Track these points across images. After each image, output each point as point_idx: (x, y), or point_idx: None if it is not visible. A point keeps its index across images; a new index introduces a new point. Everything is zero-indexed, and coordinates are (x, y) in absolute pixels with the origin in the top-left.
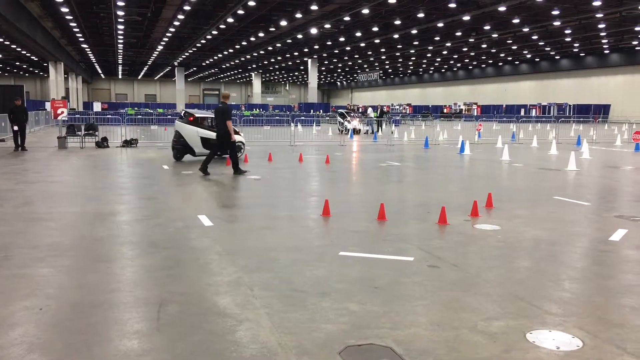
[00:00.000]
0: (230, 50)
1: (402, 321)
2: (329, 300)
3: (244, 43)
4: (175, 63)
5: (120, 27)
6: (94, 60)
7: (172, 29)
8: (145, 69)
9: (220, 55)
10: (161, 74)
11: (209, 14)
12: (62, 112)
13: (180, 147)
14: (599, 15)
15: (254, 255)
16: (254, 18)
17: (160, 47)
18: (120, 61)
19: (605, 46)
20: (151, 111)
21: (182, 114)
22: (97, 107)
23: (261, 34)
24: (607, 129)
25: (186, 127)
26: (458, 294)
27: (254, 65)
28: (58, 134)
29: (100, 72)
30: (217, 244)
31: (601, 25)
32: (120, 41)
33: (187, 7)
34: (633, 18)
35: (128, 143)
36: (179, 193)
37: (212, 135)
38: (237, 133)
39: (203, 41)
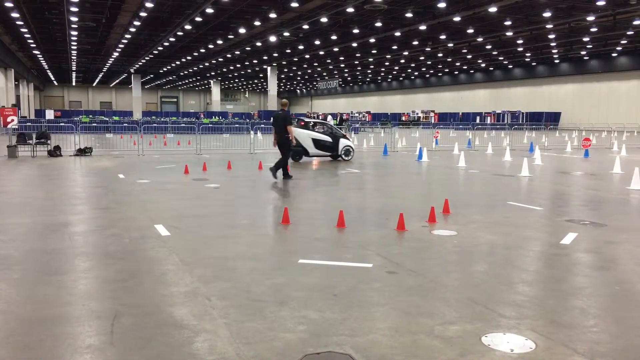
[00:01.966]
0: (189, 58)
1: (360, 328)
2: (287, 309)
3: (203, 50)
4: (132, 70)
5: (74, 33)
6: (46, 66)
7: (128, 36)
8: (100, 75)
9: (178, 63)
10: (117, 81)
11: (165, 21)
12: (12, 120)
13: (297, 149)
14: (549, 26)
15: (212, 264)
16: (212, 25)
17: (115, 54)
18: (74, 68)
19: (555, 56)
20: (106, 119)
21: (296, 120)
22: (49, 114)
23: (220, 42)
24: (558, 135)
25: (299, 131)
26: (416, 299)
27: (212, 73)
28: (8, 142)
29: (53, 79)
30: (173, 254)
31: (551, 36)
32: (74, 47)
33: (143, 14)
34: (581, 29)
35: (82, 152)
36: (135, 202)
37: (322, 137)
38: (345, 137)
39: (160, 48)
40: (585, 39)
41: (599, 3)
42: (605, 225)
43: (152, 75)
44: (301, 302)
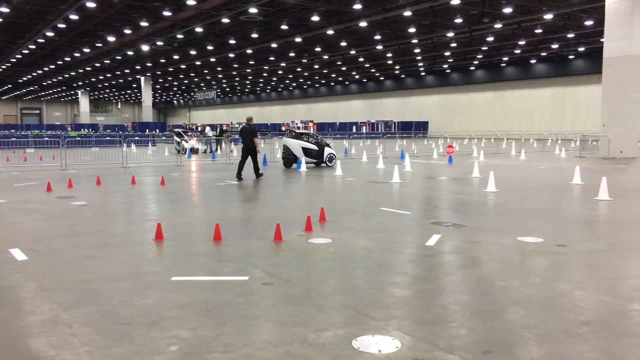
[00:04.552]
0: (52, 67)
1: (234, 343)
2: (158, 330)
3: (68, 59)
4: None
5: None
6: None
7: None
8: None
9: (40, 72)
10: None
11: (25, 27)
12: None
13: (289, 157)
14: (414, 41)
15: (75, 289)
16: (78, 32)
17: None
18: None
19: (421, 69)
20: None
21: (287, 132)
22: None
23: (87, 50)
24: (426, 143)
25: (290, 140)
26: (291, 309)
27: (80, 83)
28: None
29: None
30: (31, 280)
31: (417, 50)
32: None
33: None
34: (443, 44)
35: None
36: None
37: (310, 146)
38: (328, 146)
39: (19, 56)
40: (447, 54)
41: (457, 20)
42: (465, 226)
43: (10, 85)
44: (173, 322)
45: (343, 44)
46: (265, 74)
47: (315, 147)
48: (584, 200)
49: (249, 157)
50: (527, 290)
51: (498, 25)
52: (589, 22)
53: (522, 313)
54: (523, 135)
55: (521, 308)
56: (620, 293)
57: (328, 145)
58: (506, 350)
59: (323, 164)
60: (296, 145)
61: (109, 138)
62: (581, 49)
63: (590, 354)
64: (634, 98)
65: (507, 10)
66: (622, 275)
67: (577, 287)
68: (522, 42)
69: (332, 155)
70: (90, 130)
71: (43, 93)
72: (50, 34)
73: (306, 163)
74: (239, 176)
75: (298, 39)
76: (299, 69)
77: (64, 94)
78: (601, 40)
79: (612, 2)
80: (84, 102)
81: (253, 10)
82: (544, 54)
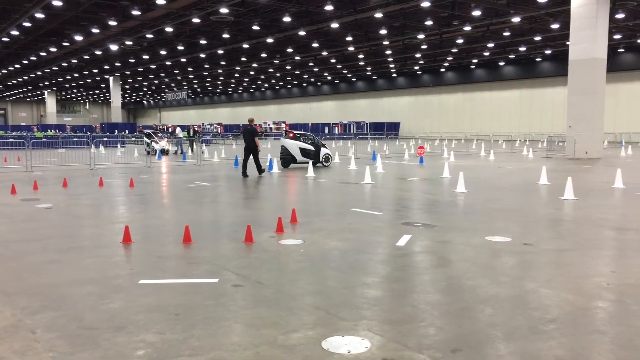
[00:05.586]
0: (17, 66)
1: (202, 346)
2: (124, 334)
3: (33, 58)
4: None
5: None
6: None
7: None
8: None
9: (4, 71)
10: None
11: None
12: None
13: (287, 157)
14: (386, 43)
15: (39, 293)
16: (44, 31)
17: None
18: None
19: (392, 70)
20: None
21: (284, 133)
22: None
23: (53, 49)
24: (397, 144)
25: (288, 141)
26: (260, 311)
27: (47, 82)
28: None
29: None
30: None
31: (388, 52)
32: None
33: None
34: (413, 46)
35: None
36: None
37: (307, 146)
38: (324, 146)
39: None
40: (418, 55)
41: (428, 23)
42: (435, 226)
43: None
44: (140, 326)
45: (315, 45)
46: (237, 75)
47: (312, 148)
48: (550, 200)
49: (251, 155)
50: (495, 288)
51: (467, 28)
52: (555, 26)
53: (490, 311)
54: (492, 136)
55: (489, 306)
56: (584, 291)
57: (324, 146)
58: (474, 349)
59: (319, 164)
60: (294, 146)
61: (76, 139)
62: (548, 51)
63: (555, 350)
64: (598, 100)
65: (476, 13)
66: (586, 273)
67: (543, 285)
68: (490, 45)
69: (328, 155)
70: (57, 131)
71: (8, 93)
72: (15, 32)
73: (304, 163)
74: (244, 174)
75: (270, 40)
76: (270, 70)
77: (29, 94)
78: (567, 43)
79: (577, 6)
80: (51, 102)
81: (224, 10)
82: (512, 56)
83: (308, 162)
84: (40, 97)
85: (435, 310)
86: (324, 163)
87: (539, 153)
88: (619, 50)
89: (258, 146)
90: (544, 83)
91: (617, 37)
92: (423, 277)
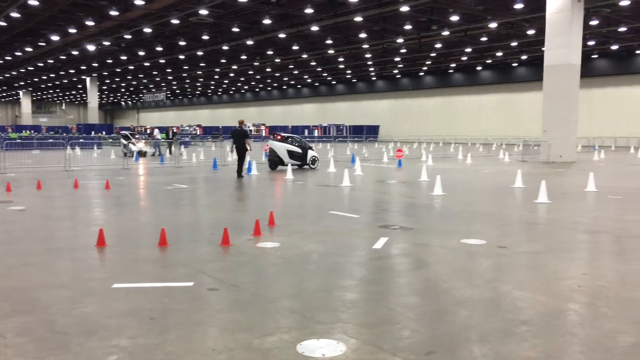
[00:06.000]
0: None
1: (176, 351)
2: (97, 339)
3: (8, 58)
4: None
5: None
6: None
7: None
8: None
9: None
10: None
11: None
12: None
13: (275, 159)
14: (365, 46)
15: (9, 297)
16: (20, 31)
17: None
18: None
19: (372, 74)
20: None
21: (272, 135)
22: None
23: (29, 49)
24: (377, 147)
25: (276, 144)
26: (236, 315)
27: (22, 83)
28: None
29: None
30: None
31: (368, 55)
32: None
33: None
34: (392, 50)
35: None
36: None
37: (294, 149)
38: (310, 149)
39: None
40: (397, 59)
41: (406, 27)
42: (412, 229)
43: None
44: (113, 330)
45: (295, 47)
46: (216, 76)
47: (299, 150)
48: (525, 203)
49: (242, 156)
50: (469, 291)
51: (445, 33)
52: (531, 32)
53: (464, 314)
54: (470, 139)
55: (464, 309)
56: (557, 293)
57: (311, 148)
58: (449, 351)
59: (306, 166)
60: (281, 148)
61: (52, 140)
62: (524, 57)
63: (527, 352)
64: (572, 105)
65: (454, 18)
66: (559, 276)
67: (517, 288)
68: (468, 50)
69: (315, 157)
70: (32, 132)
71: None
72: None
73: (292, 165)
74: (239, 174)
75: (250, 42)
76: (250, 72)
77: (4, 94)
78: (542, 49)
79: (553, 12)
80: (26, 102)
81: (203, 11)
82: (489, 61)
83: (296, 165)
84: (15, 98)
85: (411, 313)
86: (310, 165)
87: (515, 157)
88: (593, 56)
89: (249, 147)
90: (520, 88)
91: (591, 43)
92: (399, 280)
